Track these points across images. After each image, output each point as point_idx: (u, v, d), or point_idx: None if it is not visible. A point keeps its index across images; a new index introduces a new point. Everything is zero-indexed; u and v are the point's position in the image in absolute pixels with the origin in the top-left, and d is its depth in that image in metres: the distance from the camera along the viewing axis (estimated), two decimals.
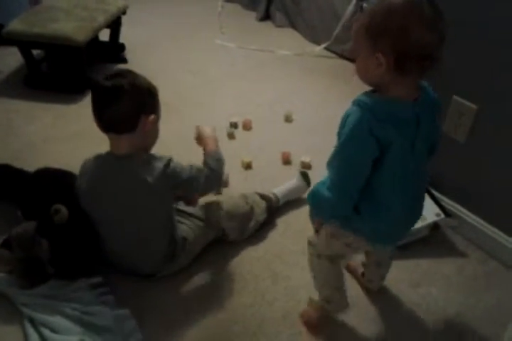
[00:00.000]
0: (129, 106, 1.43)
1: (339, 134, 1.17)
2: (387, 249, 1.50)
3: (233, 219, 1.74)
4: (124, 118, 1.45)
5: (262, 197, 1.86)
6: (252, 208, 1.80)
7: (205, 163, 1.63)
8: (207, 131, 1.75)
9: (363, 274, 1.64)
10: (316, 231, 1.41)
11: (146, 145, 1.55)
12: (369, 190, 1.19)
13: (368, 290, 1.63)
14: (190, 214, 1.70)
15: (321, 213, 1.28)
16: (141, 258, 1.58)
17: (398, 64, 1.06)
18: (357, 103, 1.14)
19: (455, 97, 1.67)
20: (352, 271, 1.69)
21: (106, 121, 1.47)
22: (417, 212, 1.33)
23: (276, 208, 1.90)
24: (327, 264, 1.43)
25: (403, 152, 1.15)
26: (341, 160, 1.17)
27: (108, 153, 1.53)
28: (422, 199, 1.32)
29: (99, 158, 1.55)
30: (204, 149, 1.71)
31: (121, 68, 1.50)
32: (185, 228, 1.67)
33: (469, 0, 1.53)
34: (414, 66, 1.07)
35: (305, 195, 1.91)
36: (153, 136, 1.56)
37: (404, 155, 1.15)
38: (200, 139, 1.75)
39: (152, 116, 1.49)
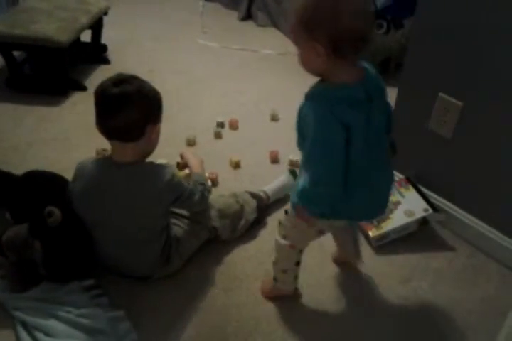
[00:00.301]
0: (136, 115, 1.42)
1: (300, 129, 1.25)
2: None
3: (224, 218, 1.75)
4: (131, 128, 1.44)
5: (253, 195, 1.87)
6: (242, 207, 1.81)
7: (194, 181, 1.64)
8: (191, 157, 1.81)
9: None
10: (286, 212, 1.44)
11: (148, 152, 1.55)
12: (353, 168, 1.23)
13: (355, 269, 1.72)
14: (182, 216, 1.70)
15: (317, 209, 1.29)
16: (135, 260, 1.58)
17: (335, 50, 1.13)
18: (310, 97, 1.21)
19: (441, 94, 1.70)
20: (338, 262, 1.73)
21: (111, 129, 1.46)
22: (390, 180, 1.40)
23: (266, 206, 1.91)
24: (287, 247, 1.47)
25: (364, 129, 1.21)
26: (322, 154, 1.20)
27: (109, 159, 1.52)
28: (390, 169, 1.41)
29: (99, 164, 1.53)
30: (191, 171, 1.77)
31: (125, 73, 1.50)
32: (179, 229, 1.67)
33: (457, 1, 1.55)
34: (349, 49, 1.14)
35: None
36: (155, 143, 1.56)
37: (365, 132, 1.21)
38: (185, 165, 1.82)
39: (158, 125, 1.50)
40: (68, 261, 1.51)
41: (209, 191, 1.73)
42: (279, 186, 1.97)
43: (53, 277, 1.52)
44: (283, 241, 1.47)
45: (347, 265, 1.72)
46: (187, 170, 1.89)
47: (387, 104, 1.33)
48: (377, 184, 1.33)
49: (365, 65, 1.26)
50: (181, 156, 1.86)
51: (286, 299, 1.60)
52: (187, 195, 1.56)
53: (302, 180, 1.24)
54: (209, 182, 1.97)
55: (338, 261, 1.73)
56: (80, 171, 1.56)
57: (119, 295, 1.58)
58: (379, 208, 1.41)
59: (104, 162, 1.53)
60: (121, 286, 1.61)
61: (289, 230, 1.45)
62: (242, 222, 1.80)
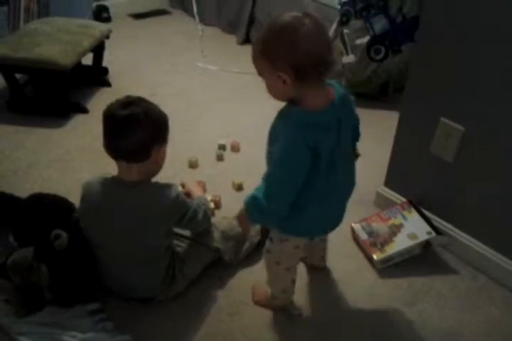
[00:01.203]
0: (143, 136, 1.44)
1: (270, 143, 1.29)
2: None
3: (228, 240, 1.75)
4: (138, 149, 1.46)
5: None
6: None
7: (196, 203, 1.66)
8: (193, 184, 1.86)
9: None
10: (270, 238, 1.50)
11: (154, 173, 1.57)
12: (310, 188, 1.29)
13: (315, 268, 1.80)
14: (186, 237, 1.70)
15: (255, 217, 1.35)
16: (139, 281, 1.57)
17: (299, 76, 1.17)
18: (284, 117, 1.26)
19: (442, 119, 1.72)
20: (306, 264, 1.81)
21: (118, 150, 1.47)
22: (349, 192, 1.47)
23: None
24: (283, 271, 1.54)
25: (332, 151, 1.26)
26: (282, 175, 1.26)
27: (116, 179, 1.53)
28: (353, 179, 1.48)
29: (105, 183, 1.54)
30: (192, 195, 1.81)
31: (132, 95, 1.52)
32: (182, 251, 1.67)
33: (458, 27, 1.59)
34: (312, 74, 1.19)
35: None
36: (161, 163, 1.57)
37: (333, 153, 1.27)
38: (187, 194, 1.83)
39: (164, 146, 1.52)
40: (74, 284, 1.50)
41: (212, 212, 1.73)
42: None
43: (59, 301, 1.51)
44: (277, 267, 1.52)
45: (313, 266, 1.80)
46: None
47: (355, 117, 1.40)
48: (335, 201, 1.41)
49: (334, 83, 1.30)
50: (182, 186, 1.88)
51: (291, 324, 1.60)
52: (191, 213, 1.58)
53: (257, 189, 1.29)
54: (212, 205, 1.99)
55: (307, 264, 1.79)
56: (86, 191, 1.56)
57: (123, 319, 1.57)
58: (335, 222, 1.48)
59: (110, 181, 1.54)
60: (125, 310, 1.60)
61: (279, 255, 1.50)
62: (247, 245, 1.80)
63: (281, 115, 1.27)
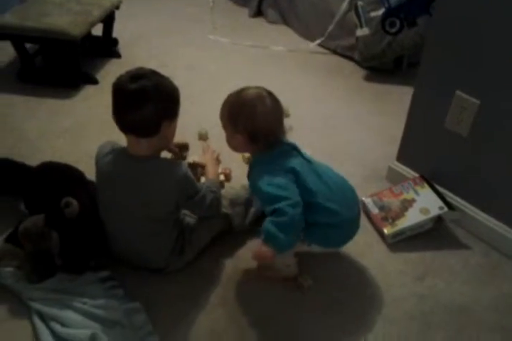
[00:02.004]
0: (152, 111, 1.41)
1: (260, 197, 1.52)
2: None
3: (236, 206, 1.74)
4: (147, 124, 1.44)
5: None
6: (252, 196, 1.80)
7: (207, 187, 1.62)
8: (210, 163, 1.81)
9: None
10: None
11: (163, 147, 1.56)
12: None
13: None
14: None
15: (278, 242, 1.39)
16: (149, 252, 1.57)
17: (251, 140, 1.49)
18: (254, 173, 1.52)
19: (458, 92, 1.69)
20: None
21: (127, 124, 1.45)
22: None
23: None
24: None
25: (309, 167, 1.52)
26: (280, 194, 1.42)
27: (125, 151, 1.52)
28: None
29: (115, 155, 1.52)
30: (206, 176, 1.77)
31: (144, 67, 1.49)
32: (191, 221, 1.67)
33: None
34: (262, 141, 1.49)
35: None
36: (171, 138, 1.57)
37: (312, 168, 1.53)
38: (198, 165, 1.83)
39: (174, 122, 1.51)
40: (85, 251, 1.51)
41: (222, 185, 1.71)
42: None
43: (69, 268, 1.52)
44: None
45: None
46: (202, 179, 1.89)
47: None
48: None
49: (292, 152, 1.54)
50: (193, 164, 1.84)
51: (301, 295, 1.61)
52: (198, 198, 1.55)
53: (268, 222, 1.38)
54: (222, 177, 1.98)
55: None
56: (98, 157, 1.56)
57: (134, 287, 1.57)
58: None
59: (120, 153, 1.53)
60: (136, 278, 1.61)
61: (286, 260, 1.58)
62: (253, 209, 1.79)
63: (251, 174, 1.54)
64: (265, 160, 1.50)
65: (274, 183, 1.42)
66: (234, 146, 1.57)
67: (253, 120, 1.46)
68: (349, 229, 1.58)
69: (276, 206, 1.38)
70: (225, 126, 1.54)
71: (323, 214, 1.48)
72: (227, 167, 2.05)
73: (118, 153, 1.53)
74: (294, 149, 1.55)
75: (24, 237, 1.46)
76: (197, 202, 1.55)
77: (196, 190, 1.54)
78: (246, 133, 1.47)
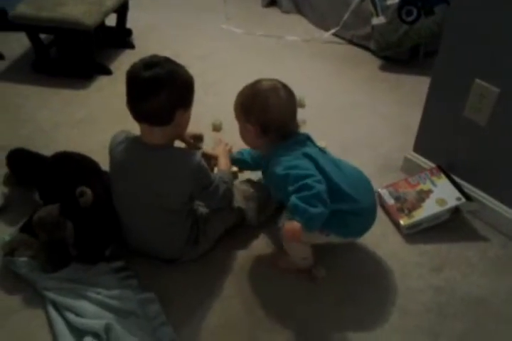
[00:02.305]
0: (166, 100, 1.40)
1: (281, 187, 1.42)
2: None
3: (250, 201, 1.72)
4: (160, 112, 1.43)
5: None
6: (268, 192, 1.78)
7: (219, 177, 1.60)
8: (222, 154, 1.78)
9: None
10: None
11: (176, 136, 1.56)
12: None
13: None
14: None
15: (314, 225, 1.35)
16: (163, 242, 1.57)
17: (264, 132, 1.48)
18: (274, 163, 1.46)
19: (477, 80, 1.65)
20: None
21: (141, 112, 1.44)
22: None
23: None
24: (302, 246, 1.53)
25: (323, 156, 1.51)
26: (306, 178, 1.38)
27: (138, 140, 1.51)
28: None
29: (130, 142, 1.52)
30: (218, 167, 1.74)
31: (158, 55, 1.47)
32: (205, 211, 1.66)
33: None
34: (274, 133, 1.49)
35: None
36: (185, 127, 1.55)
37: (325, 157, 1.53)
38: (211, 156, 1.79)
39: (189, 111, 1.50)
40: (99, 241, 1.51)
41: (236, 176, 1.70)
42: None
43: (84, 257, 1.52)
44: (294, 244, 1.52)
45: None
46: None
47: None
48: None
49: (307, 142, 1.53)
50: (216, 144, 1.83)
51: (315, 286, 1.59)
52: (212, 189, 1.54)
53: (294, 198, 1.33)
54: (235, 168, 1.97)
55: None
56: (111, 147, 1.56)
57: (147, 278, 1.58)
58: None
59: (134, 141, 1.52)
60: (150, 268, 1.61)
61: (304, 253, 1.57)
62: (269, 204, 1.78)
63: (272, 165, 1.47)
64: (280, 151, 1.48)
65: (294, 165, 1.40)
66: (246, 139, 1.57)
67: (266, 111, 1.46)
68: (368, 217, 1.56)
69: (302, 182, 1.34)
70: (238, 117, 1.54)
71: (344, 200, 1.45)
72: None
73: (131, 141, 1.52)
74: (307, 139, 1.54)
75: (39, 227, 1.46)
76: (210, 193, 1.54)
77: (210, 181, 1.53)
78: (258, 124, 1.47)
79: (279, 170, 1.42)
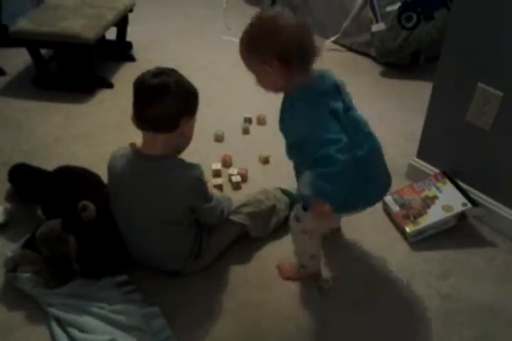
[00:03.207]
0: (173, 105, 1.43)
1: (294, 134, 1.33)
2: None
3: (255, 218, 1.71)
4: (167, 118, 1.44)
5: (284, 192, 1.83)
6: (273, 204, 1.77)
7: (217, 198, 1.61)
8: None
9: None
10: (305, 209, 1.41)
11: (180, 148, 1.54)
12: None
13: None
14: None
15: (336, 197, 1.25)
16: (165, 254, 1.56)
17: (284, 64, 1.26)
18: (296, 102, 1.30)
19: (480, 84, 1.64)
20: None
21: (147, 118, 1.44)
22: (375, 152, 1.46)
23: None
24: (308, 238, 1.49)
25: (344, 113, 1.32)
26: (331, 143, 1.23)
27: (139, 152, 1.50)
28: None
29: (129, 156, 1.51)
30: None
31: (163, 66, 1.51)
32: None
33: None
34: (295, 60, 1.26)
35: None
36: (188, 138, 1.55)
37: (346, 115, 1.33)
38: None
39: (193, 119, 1.50)
40: (102, 255, 1.50)
41: (238, 186, 1.68)
42: None
43: (87, 272, 1.50)
44: (305, 235, 1.48)
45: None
46: (219, 180, 1.94)
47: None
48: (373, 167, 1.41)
49: (324, 73, 1.36)
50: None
51: (322, 297, 1.57)
52: (214, 201, 1.55)
53: (314, 175, 1.23)
54: (239, 179, 1.96)
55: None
56: (110, 163, 1.55)
57: (151, 291, 1.56)
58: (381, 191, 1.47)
59: (133, 154, 1.51)
60: (153, 282, 1.59)
61: (310, 225, 1.44)
62: (275, 220, 1.76)
63: (291, 103, 1.32)
64: (307, 97, 1.29)
65: (318, 123, 1.25)
66: (267, 83, 1.34)
67: (279, 34, 1.24)
68: (385, 179, 1.48)
69: (323, 152, 1.21)
70: (250, 63, 1.33)
71: (363, 166, 1.32)
72: (243, 167, 2.04)
73: (132, 154, 1.51)
74: (335, 88, 1.34)
75: (42, 242, 1.45)
76: (209, 208, 1.54)
77: (209, 195, 1.54)
78: (275, 56, 1.25)
79: (301, 124, 1.28)
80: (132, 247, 1.58)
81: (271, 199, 1.78)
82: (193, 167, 1.49)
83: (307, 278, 1.61)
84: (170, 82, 1.42)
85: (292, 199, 1.79)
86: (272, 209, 1.76)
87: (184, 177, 1.46)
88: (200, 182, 1.49)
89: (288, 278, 1.62)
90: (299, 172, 1.39)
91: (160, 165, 1.47)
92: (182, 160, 1.51)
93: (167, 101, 1.41)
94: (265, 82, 1.34)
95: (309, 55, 1.28)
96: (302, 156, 1.32)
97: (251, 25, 1.31)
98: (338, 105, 1.30)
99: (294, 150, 1.40)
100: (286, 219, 1.78)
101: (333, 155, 1.20)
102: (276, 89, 1.36)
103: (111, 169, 1.54)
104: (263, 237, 1.75)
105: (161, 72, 1.45)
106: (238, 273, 1.64)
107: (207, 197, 1.53)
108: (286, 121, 1.36)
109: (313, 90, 1.29)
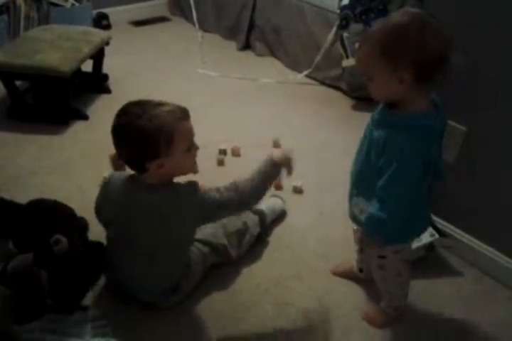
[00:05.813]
0: (128, 151, 1.40)
1: (379, 158, 1.25)
2: None
3: (231, 237, 1.74)
4: (130, 162, 1.44)
5: (254, 212, 1.88)
6: (245, 223, 1.81)
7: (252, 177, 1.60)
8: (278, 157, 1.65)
9: (360, 270, 1.72)
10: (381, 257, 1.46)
11: (173, 175, 1.48)
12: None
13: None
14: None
15: (390, 237, 1.34)
16: (149, 282, 1.55)
17: (419, 76, 1.13)
18: (405, 128, 1.19)
19: None
20: (343, 274, 1.75)
21: (121, 159, 1.46)
22: None
23: (267, 223, 1.93)
24: (405, 279, 1.53)
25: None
26: (407, 185, 1.23)
27: (136, 179, 1.49)
28: None
29: (125, 181, 1.50)
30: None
31: (143, 100, 1.44)
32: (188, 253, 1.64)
33: (460, 22, 1.58)
34: (435, 74, 1.15)
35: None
36: (183, 168, 1.48)
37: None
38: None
39: (158, 162, 1.37)
40: (75, 289, 1.49)
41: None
42: (272, 207, 1.99)
43: (59, 307, 1.49)
44: (399, 278, 1.52)
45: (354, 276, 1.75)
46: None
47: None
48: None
49: (435, 97, 1.27)
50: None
51: (294, 329, 1.58)
52: (217, 211, 1.50)
53: (379, 210, 1.26)
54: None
55: (341, 273, 1.75)
56: (105, 187, 1.56)
57: (124, 326, 1.55)
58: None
59: (129, 180, 1.50)
60: (126, 315, 1.58)
61: (397, 266, 1.50)
62: (247, 237, 1.80)
63: (397, 126, 1.21)
64: (425, 130, 1.20)
65: (422, 160, 1.21)
66: (387, 92, 1.20)
67: (424, 47, 1.10)
68: None
69: (399, 203, 1.25)
70: (375, 69, 1.17)
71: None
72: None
73: (129, 181, 1.50)
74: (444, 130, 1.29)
75: (12, 277, 1.44)
76: (218, 213, 1.52)
77: (211, 203, 1.46)
78: (412, 66, 1.12)
79: (407, 158, 1.19)
80: (113, 272, 1.58)
81: (241, 218, 1.81)
82: (193, 185, 1.45)
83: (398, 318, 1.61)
84: (124, 125, 1.36)
85: (262, 216, 1.87)
86: (244, 228, 1.80)
87: (188, 200, 1.44)
88: (203, 200, 1.45)
89: (383, 327, 1.59)
90: (360, 193, 1.40)
91: (158, 193, 1.44)
92: (179, 184, 1.47)
93: (122, 145, 1.40)
94: (382, 89, 1.20)
95: (448, 69, 1.15)
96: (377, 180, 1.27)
97: (389, 28, 1.14)
98: (436, 151, 1.27)
99: (371, 170, 1.30)
100: (258, 238, 1.85)
101: (397, 208, 1.25)
102: (387, 98, 1.24)
103: (105, 192, 1.56)
104: (237, 258, 1.77)
105: (124, 112, 1.37)
106: (211, 307, 1.64)
107: (212, 211, 1.48)
108: (388, 142, 1.22)
109: (431, 127, 1.21)
